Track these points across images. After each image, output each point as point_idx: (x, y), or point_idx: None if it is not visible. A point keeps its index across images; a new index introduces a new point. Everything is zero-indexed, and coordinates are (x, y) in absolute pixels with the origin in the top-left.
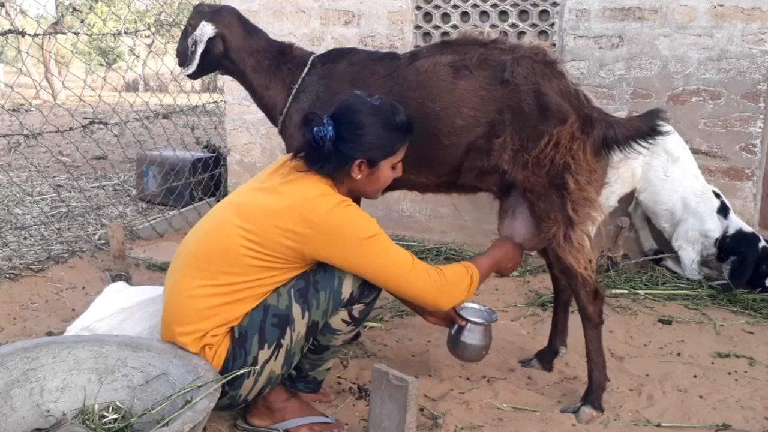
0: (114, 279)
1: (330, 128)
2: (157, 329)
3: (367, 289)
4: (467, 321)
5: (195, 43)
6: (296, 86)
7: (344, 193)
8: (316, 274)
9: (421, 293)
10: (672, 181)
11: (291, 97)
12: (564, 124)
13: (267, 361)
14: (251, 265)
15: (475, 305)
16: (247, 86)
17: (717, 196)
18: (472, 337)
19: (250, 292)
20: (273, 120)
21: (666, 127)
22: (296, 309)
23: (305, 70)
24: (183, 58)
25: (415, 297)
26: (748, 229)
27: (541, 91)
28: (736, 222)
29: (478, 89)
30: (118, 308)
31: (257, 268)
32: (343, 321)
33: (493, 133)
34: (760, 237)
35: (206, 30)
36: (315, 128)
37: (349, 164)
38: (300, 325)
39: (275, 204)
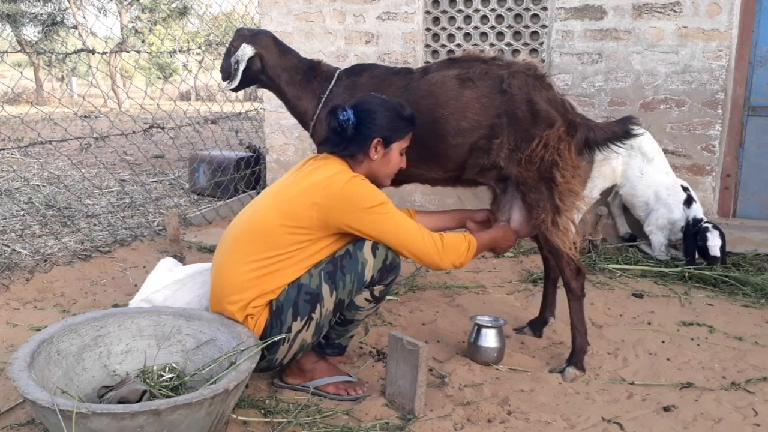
0: None
1: (350, 113)
2: (206, 296)
3: (386, 273)
4: (481, 326)
5: (237, 62)
6: (325, 96)
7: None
8: (343, 260)
9: (423, 252)
10: (647, 178)
11: (321, 105)
12: (552, 128)
13: (300, 331)
14: (285, 239)
15: (485, 317)
16: (282, 97)
17: (685, 189)
18: (487, 340)
19: (285, 263)
20: (305, 125)
21: (639, 130)
22: (325, 288)
23: (332, 83)
24: (226, 75)
25: (418, 255)
26: (700, 216)
27: (533, 100)
28: (695, 210)
29: (480, 97)
30: (172, 280)
31: (290, 241)
32: (366, 299)
33: (492, 135)
34: (703, 219)
35: (246, 51)
36: (340, 114)
37: (368, 143)
38: (328, 302)
39: (303, 184)
